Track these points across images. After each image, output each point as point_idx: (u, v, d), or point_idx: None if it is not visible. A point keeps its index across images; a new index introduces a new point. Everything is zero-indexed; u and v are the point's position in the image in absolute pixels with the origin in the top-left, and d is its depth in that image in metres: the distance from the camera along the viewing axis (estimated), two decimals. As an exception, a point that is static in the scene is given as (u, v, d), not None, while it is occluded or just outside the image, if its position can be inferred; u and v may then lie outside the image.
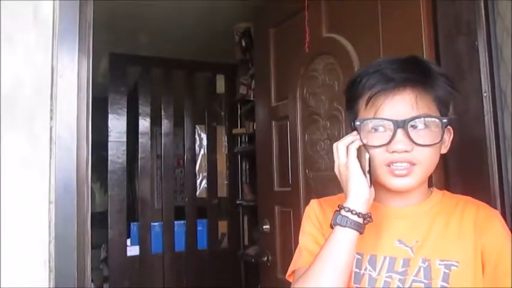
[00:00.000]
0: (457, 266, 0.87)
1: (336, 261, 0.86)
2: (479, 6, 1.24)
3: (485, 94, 1.22)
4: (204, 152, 3.97)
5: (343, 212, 0.88)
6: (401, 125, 0.86)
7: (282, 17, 2.17)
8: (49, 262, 0.89)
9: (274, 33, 2.25)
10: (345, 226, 0.86)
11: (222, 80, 3.79)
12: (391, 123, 0.87)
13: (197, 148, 4.07)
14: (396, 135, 0.87)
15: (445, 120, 0.89)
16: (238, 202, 3.59)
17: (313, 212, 1.04)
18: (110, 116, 3.28)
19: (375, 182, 0.93)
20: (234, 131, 3.62)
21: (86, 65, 0.97)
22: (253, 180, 3.28)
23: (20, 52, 0.92)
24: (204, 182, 4.03)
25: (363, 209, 0.88)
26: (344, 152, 0.92)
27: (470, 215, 0.92)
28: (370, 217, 0.89)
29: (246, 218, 3.60)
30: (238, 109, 3.67)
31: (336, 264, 0.86)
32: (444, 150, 0.96)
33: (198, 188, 4.01)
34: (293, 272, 1.00)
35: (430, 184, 1.03)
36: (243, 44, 3.12)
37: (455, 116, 0.94)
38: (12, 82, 0.90)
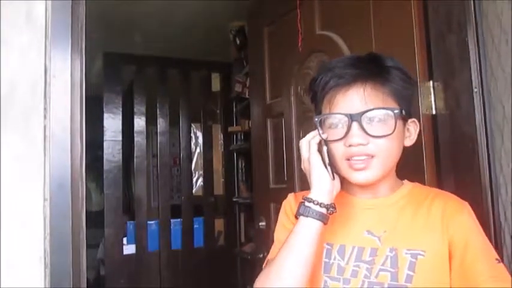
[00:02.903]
0: (423, 255, 0.89)
1: (299, 249, 0.89)
2: (469, 4, 1.26)
3: (475, 90, 1.23)
4: (200, 150, 3.98)
5: (306, 203, 0.91)
6: (355, 118, 0.90)
7: (276, 16, 2.18)
8: (44, 258, 0.90)
9: (268, 32, 2.26)
10: (307, 216, 0.90)
11: (217, 78, 3.80)
12: (345, 117, 0.91)
13: (193, 146, 4.09)
14: (351, 128, 0.90)
15: (396, 111, 0.91)
16: (234, 200, 3.61)
17: (289, 205, 1.07)
18: (105, 115, 3.29)
19: (343, 173, 0.96)
20: (230, 129, 3.63)
21: (79, 65, 0.98)
22: (249, 177, 3.30)
23: (14, 53, 0.93)
24: (200, 180, 4.04)
25: (325, 200, 0.91)
26: (307, 148, 0.96)
27: (438, 207, 0.94)
28: (334, 207, 0.92)
29: (242, 216, 3.62)
30: (234, 107, 3.68)
31: (298, 252, 0.89)
32: (409, 143, 0.99)
33: (194, 186, 4.02)
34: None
35: (404, 177, 1.05)
36: (238, 42, 3.14)
37: (412, 109, 0.96)
38: (7, 82, 0.91)
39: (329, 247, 0.97)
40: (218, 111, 3.88)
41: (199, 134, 4.00)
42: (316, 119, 0.96)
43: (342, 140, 0.92)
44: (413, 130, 1.00)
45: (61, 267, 0.91)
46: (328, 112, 0.94)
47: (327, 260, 0.96)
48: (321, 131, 0.96)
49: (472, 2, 1.25)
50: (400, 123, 0.93)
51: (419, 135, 1.34)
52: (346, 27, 1.70)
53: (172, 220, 3.50)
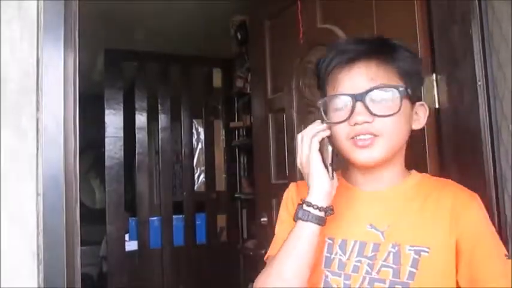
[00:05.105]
0: (427, 252, 0.87)
1: (298, 253, 0.87)
2: (473, -5, 1.23)
3: (479, 83, 1.21)
4: (202, 146, 3.97)
5: (305, 207, 0.88)
6: (359, 98, 0.87)
7: (277, 9, 2.16)
8: (38, 254, 0.89)
9: (269, 25, 2.24)
10: (306, 220, 0.88)
11: (219, 74, 3.79)
12: (349, 97, 0.88)
13: (195, 142, 4.08)
14: (355, 108, 0.88)
15: (401, 89, 0.88)
16: (236, 195, 3.60)
17: (290, 197, 1.05)
18: (107, 112, 3.29)
19: (348, 163, 0.95)
20: (232, 124, 3.62)
21: (73, 57, 0.96)
22: (251, 173, 3.29)
23: (5, 45, 0.91)
24: (202, 176, 4.04)
25: (324, 203, 0.88)
26: (308, 144, 0.92)
27: (447, 199, 0.91)
28: (332, 209, 0.90)
29: (244, 212, 3.61)
30: (235, 102, 3.67)
31: (297, 256, 0.87)
32: (418, 126, 0.96)
33: (196, 183, 4.01)
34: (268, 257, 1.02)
35: (411, 167, 1.02)
36: (239, 37, 3.11)
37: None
38: (-2, 74, 0.90)
39: (330, 241, 0.95)
40: (220, 107, 3.86)
41: (201, 130, 3.99)
42: (320, 102, 0.94)
43: (346, 121, 0.89)
44: (422, 114, 0.96)
45: (55, 263, 0.89)
46: (333, 93, 0.92)
47: (328, 255, 0.94)
48: (324, 115, 0.93)
49: (476, -7, 1.23)
50: (406, 103, 0.90)
51: (422, 129, 1.34)
52: (347, 20, 1.68)
53: (174, 216, 3.49)
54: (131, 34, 3.43)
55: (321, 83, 0.98)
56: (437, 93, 1.33)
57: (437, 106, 1.33)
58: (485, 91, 1.21)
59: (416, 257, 0.87)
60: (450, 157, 1.30)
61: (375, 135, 0.88)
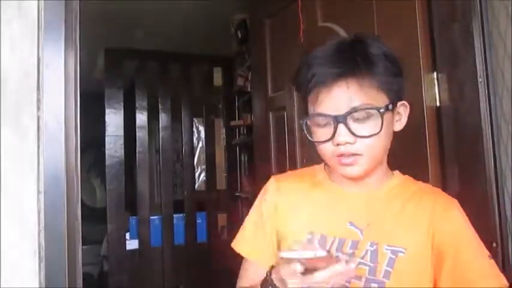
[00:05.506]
0: (403, 253, 0.89)
1: None
2: (473, -8, 1.23)
3: (480, 80, 1.21)
4: (202, 145, 3.96)
5: None
6: (340, 120, 0.87)
7: (277, 8, 2.16)
8: (39, 252, 0.89)
9: (270, 24, 2.24)
10: None
11: (219, 73, 3.79)
12: (331, 118, 0.88)
13: (195, 141, 4.07)
14: (337, 129, 0.88)
15: (382, 110, 0.87)
16: (237, 194, 3.59)
17: (267, 200, 1.05)
18: (107, 111, 3.28)
19: (333, 167, 0.96)
20: (232, 123, 3.62)
21: (74, 55, 0.96)
22: (252, 171, 3.28)
23: (5, 44, 0.91)
24: (203, 175, 4.04)
25: None
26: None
27: (427, 204, 0.93)
28: None
29: (245, 210, 3.60)
30: (236, 101, 3.67)
31: None
32: (399, 127, 0.96)
33: (196, 181, 4.01)
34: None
35: (395, 168, 1.02)
36: (239, 35, 3.12)
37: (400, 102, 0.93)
38: (-2, 73, 0.90)
39: (310, 237, 0.95)
40: (220, 105, 3.86)
41: (202, 129, 3.98)
42: (302, 121, 0.95)
43: (330, 141, 0.89)
44: (403, 113, 0.96)
45: (56, 261, 0.89)
46: (313, 111, 0.92)
47: None
48: (308, 134, 0.94)
49: (476, -11, 1.23)
50: (388, 115, 0.90)
51: (423, 127, 1.34)
52: (348, 19, 1.68)
53: (175, 215, 3.49)
54: (131, 33, 3.43)
55: (301, 96, 0.97)
56: (438, 92, 1.33)
57: (438, 104, 1.33)
58: (486, 88, 1.21)
59: (393, 256, 0.89)
60: (451, 155, 1.30)
61: (357, 155, 0.89)
